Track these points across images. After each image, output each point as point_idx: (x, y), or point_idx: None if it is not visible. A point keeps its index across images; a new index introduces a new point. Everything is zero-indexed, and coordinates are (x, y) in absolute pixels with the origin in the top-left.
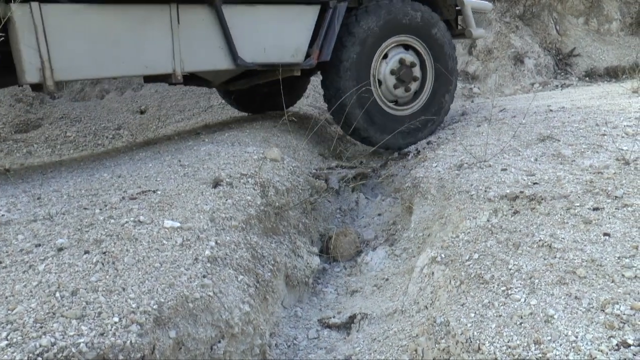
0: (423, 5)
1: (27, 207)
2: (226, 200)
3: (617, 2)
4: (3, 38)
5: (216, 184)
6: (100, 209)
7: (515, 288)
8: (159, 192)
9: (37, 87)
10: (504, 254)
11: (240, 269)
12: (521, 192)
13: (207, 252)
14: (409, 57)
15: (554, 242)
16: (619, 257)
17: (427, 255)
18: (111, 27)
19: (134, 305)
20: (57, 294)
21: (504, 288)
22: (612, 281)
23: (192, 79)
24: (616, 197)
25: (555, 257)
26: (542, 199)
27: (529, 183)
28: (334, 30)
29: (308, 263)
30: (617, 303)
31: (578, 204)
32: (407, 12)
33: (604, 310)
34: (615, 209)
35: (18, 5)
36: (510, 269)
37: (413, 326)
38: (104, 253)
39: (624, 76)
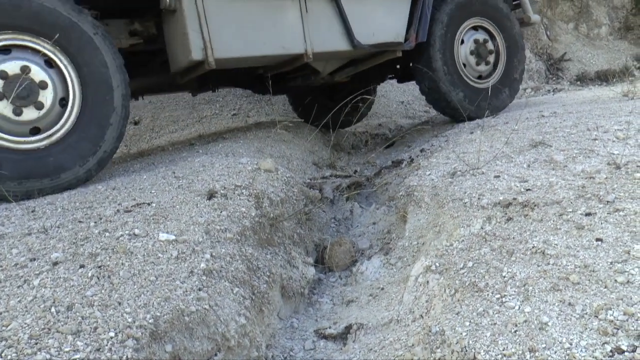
0: None
1: (21, 220)
2: (221, 212)
3: (605, 7)
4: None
5: (211, 195)
6: (95, 222)
7: (510, 295)
8: (153, 205)
9: (191, 70)
10: (497, 261)
11: (236, 281)
12: (514, 198)
13: (203, 265)
14: (484, 36)
15: (547, 248)
16: (611, 263)
17: (421, 264)
18: (256, 14)
19: (129, 320)
20: (53, 309)
21: (498, 296)
22: (605, 287)
23: (302, 69)
24: (608, 202)
25: (548, 264)
26: (535, 206)
27: (522, 190)
28: (426, 16)
29: (303, 274)
30: (611, 309)
31: (570, 210)
32: None
33: (597, 316)
34: (607, 213)
35: None
36: (504, 277)
37: (409, 335)
38: (100, 267)
39: (614, 79)
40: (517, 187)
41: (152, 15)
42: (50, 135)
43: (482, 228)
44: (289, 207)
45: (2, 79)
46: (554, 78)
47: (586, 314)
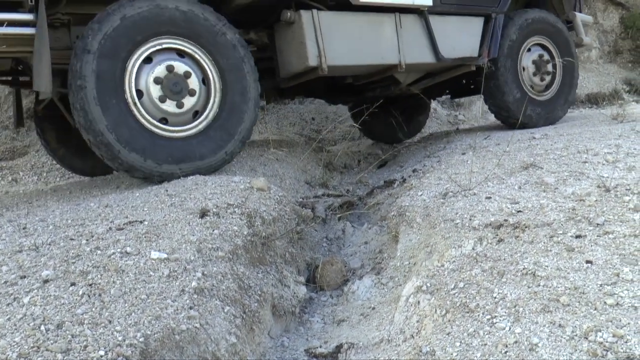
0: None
1: (12, 237)
2: (213, 230)
3: (596, 31)
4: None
5: (203, 214)
6: (87, 240)
7: (500, 317)
8: (145, 223)
9: (301, 76)
10: (488, 282)
11: (227, 299)
12: (505, 220)
13: (194, 284)
14: (543, 54)
15: (537, 269)
16: (601, 285)
17: (413, 284)
18: (360, 28)
19: (120, 338)
20: (42, 327)
21: (488, 317)
22: (595, 309)
23: (381, 81)
24: (598, 224)
25: (539, 285)
26: (526, 227)
27: (513, 211)
28: (497, 34)
29: (295, 292)
30: (600, 330)
31: (561, 232)
32: (542, 19)
33: (587, 338)
34: (597, 236)
35: (304, 12)
36: (495, 298)
37: (399, 355)
38: (91, 285)
39: (604, 102)
40: (508, 208)
41: (264, 27)
42: (207, 116)
43: (473, 249)
44: (281, 226)
45: (168, 71)
46: None
47: (576, 335)
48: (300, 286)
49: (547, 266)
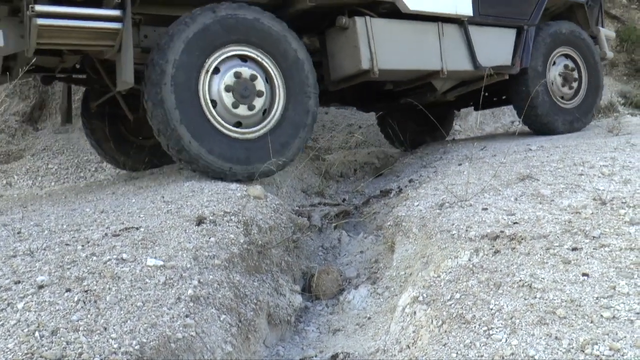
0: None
1: (6, 241)
2: (209, 238)
3: None
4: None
5: (199, 221)
6: (83, 246)
7: (497, 328)
8: (142, 229)
9: (352, 79)
10: (485, 293)
11: (223, 308)
12: (502, 231)
13: (190, 291)
14: (569, 63)
15: (534, 282)
16: (597, 298)
17: (409, 295)
18: (407, 35)
19: (115, 346)
20: (37, 334)
21: (485, 328)
22: (591, 321)
23: (418, 87)
24: (594, 237)
25: (535, 297)
26: (522, 239)
27: (510, 222)
28: (528, 45)
29: (290, 301)
30: (597, 343)
31: (557, 244)
32: (569, 31)
33: (583, 351)
34: (593, 249)
35: (358, 18)
36: (492, 309)
37: None
38: (86, 291)
39: (599, 115)
40: (505, 220)
41: (316, 32)
42: (275, 113)
43: (469, 260)
44: (277, 235)
45: (235, 78)
46: None
47: (572, 348)
48: (296, 295)
49: (544, 278)
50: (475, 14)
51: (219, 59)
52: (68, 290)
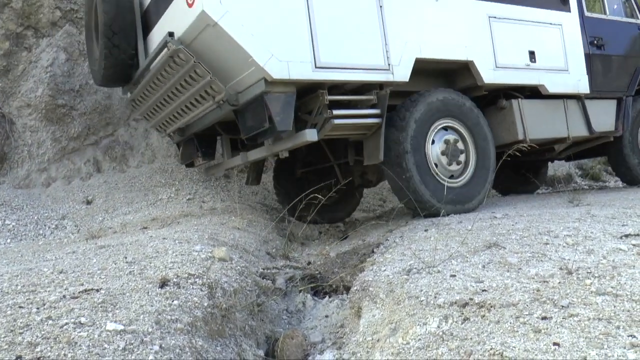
0: None
1: None
2: (172, 301)
3: None
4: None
5: (163, 284)
6: (38, 308)
7: None
8: (102, 291)
9: (509, 145)
10: None
11: None
12: (471, 299)
13: (151, 357)
14: None
15: (505, 350)
16: None
17: None
18: (545, 111)
19: None
20: None
21: None
22: None
23: (546, 150)
24: (562, 306)
25: None
26: (491, 307)
27: (478, 290)
28: (627, 112)
29: None
30: None
31: (527, 313)
32: None
33: None
34: (563, 318)
35: (514, 101)
36: None
37: None
38: (39, 358)
39: (559, 185)
40: (473, 287)
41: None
42: (465, 176)
43: (439, 327)
44: (242, 298)
45: (445, 144)
46: None
47: None
48: None
49: (515, 347)
50: (590, 90)
51: (435, 131)
52: (19, 357)
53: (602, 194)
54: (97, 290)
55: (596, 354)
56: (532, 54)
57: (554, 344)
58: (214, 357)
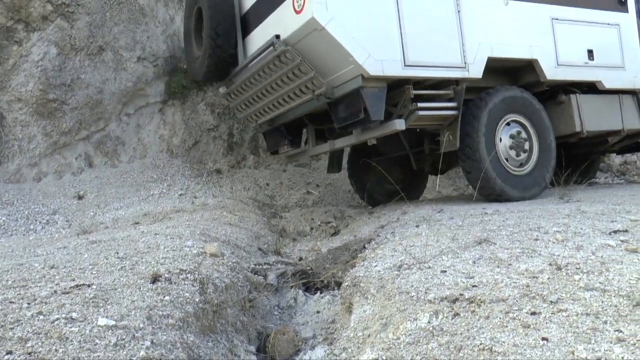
0: None
1: None
2: (164, 296)
3: None
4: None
5: (155, 279)
6: (29, 304)
7: None
8: (94, 287)
9: (567, 137)
10: (446, 357)
11: None
12: (461, 294)
13: (142, 353)
14: None
15: (494, 345)
16: None
17: (367, 357)
18: (600, 105)
19: None
20: None
21: None
22: None
23: (600, 142)
24: (551, 302)
25: None
26: (481, 302)
27: (469, 285)
28: None
29: None
30: None
31: (516, 308)
32: None
33: None
34: (552, 313)
35: (572, 96)
36: None
37: None
38: (30, 353)
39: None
40: (464, 282)
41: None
42: (529, 166)
43: (429, 322)
44: (233, 294)
45: (511, 138)
46: None
47: None
48: (251, 356)
49: (504, 342)
50: None
51: (503, 125)
52: (9, 352)
53: (592, 190)
54: (89, 286)
55: (584, 349)
56: (590, 52)
57: (543, 338)
58: (205, 352)
